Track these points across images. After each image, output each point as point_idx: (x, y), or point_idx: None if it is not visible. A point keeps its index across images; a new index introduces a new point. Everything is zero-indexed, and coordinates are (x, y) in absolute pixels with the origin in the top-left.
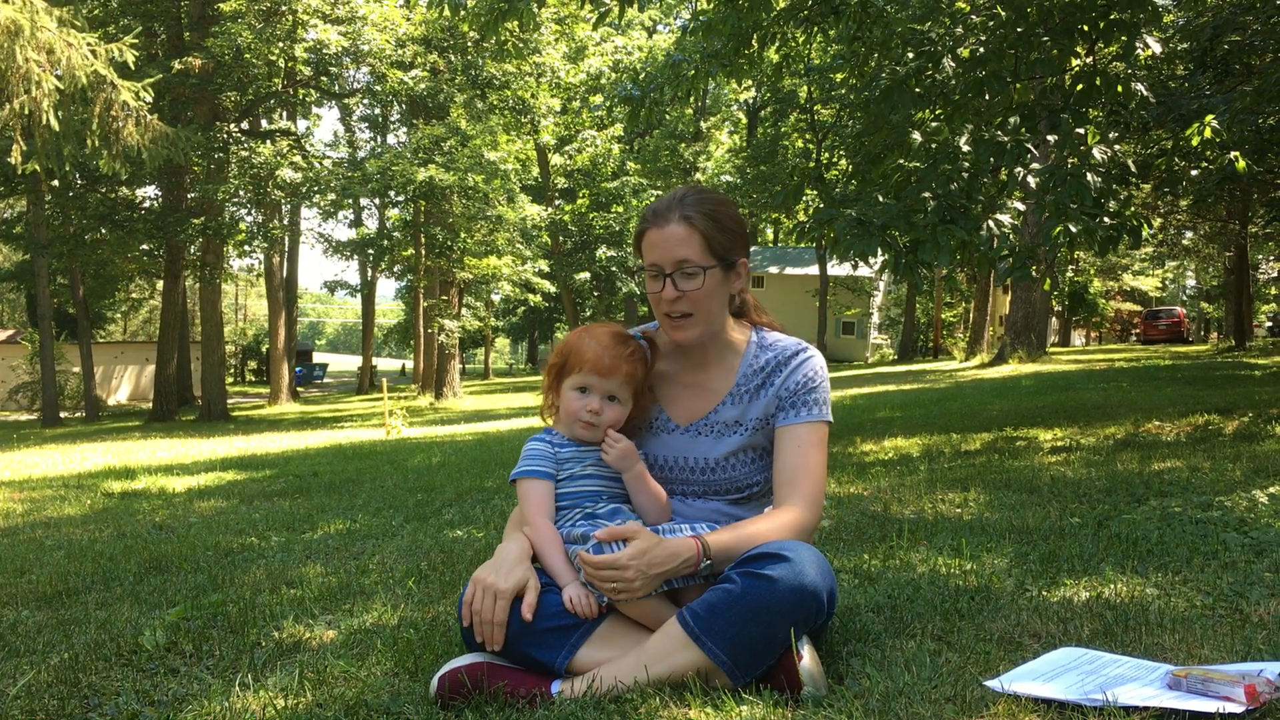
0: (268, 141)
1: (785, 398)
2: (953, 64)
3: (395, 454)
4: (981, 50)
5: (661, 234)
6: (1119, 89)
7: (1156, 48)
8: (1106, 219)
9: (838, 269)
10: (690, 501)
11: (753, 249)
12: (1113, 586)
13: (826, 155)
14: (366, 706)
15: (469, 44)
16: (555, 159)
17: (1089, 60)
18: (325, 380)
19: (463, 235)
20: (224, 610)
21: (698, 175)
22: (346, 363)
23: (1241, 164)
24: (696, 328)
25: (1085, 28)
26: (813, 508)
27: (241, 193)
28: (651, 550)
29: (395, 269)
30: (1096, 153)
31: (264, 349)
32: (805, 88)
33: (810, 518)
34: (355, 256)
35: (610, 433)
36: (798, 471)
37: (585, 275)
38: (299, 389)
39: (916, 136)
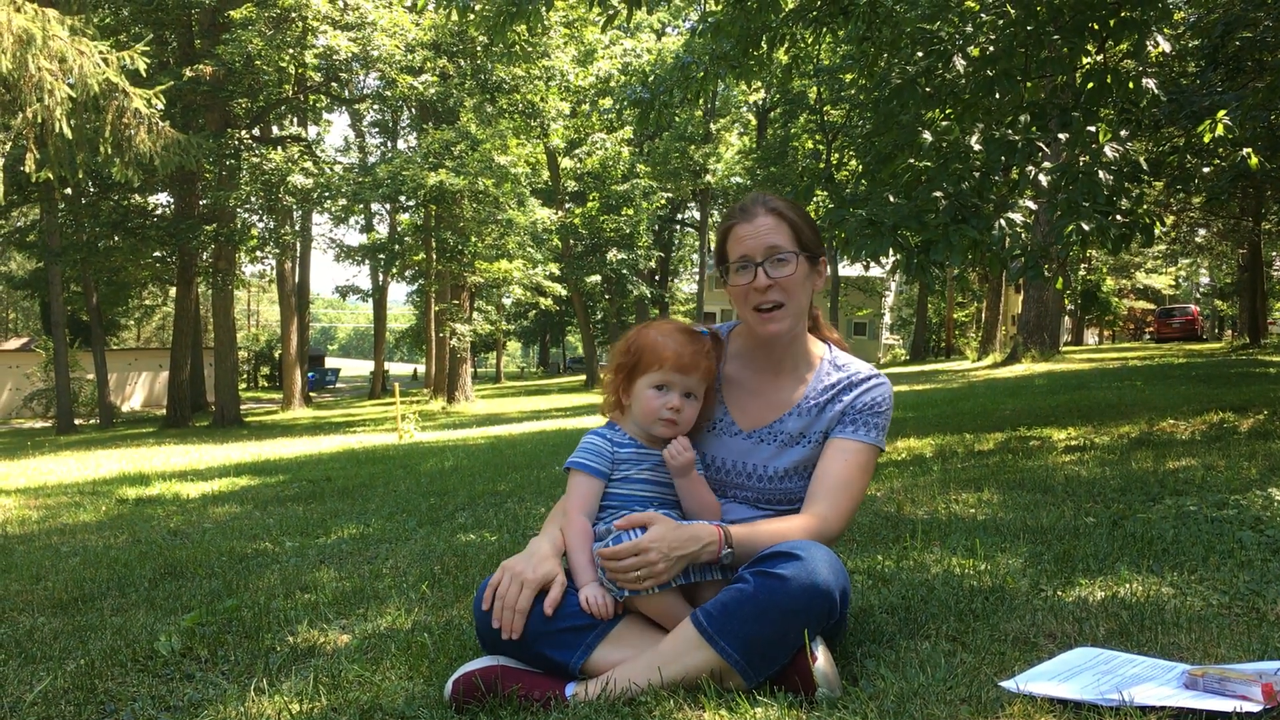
0: (279, 148)
1: (849, 415)
2: (963, 63)
3: (408, 458)
4: (991, 49)
5: (751, 226)
6: (1130, 87)
7: (1167, 45)
8: (1119, 217)
9: (849, 269)
10: (735, 508)
11: None
12: (1128, 586)
13: (836, 156)
14: (381, 710)
15: (478, 48)
16: (565, 162)
17: (1099, 58)
18: (338, 385)
19: (473, 239)
20: (239, 615)
21: (708, 177)
22: (359, 367)
23: (1254, 161)
24: (787, 319)
25: (1095, 26)
26: (840, 518)
27: (253, 199)
28: (672, 534)
29: (406, 273)
30: (1108, 151)
31: (276, 354)
32: (815, 89)
33: (835, 526)
34: (366, 261)
35: (681, 439)
36: (836, 481)
37: (596, 278)
38: (311, 394)
39: (927, 136)
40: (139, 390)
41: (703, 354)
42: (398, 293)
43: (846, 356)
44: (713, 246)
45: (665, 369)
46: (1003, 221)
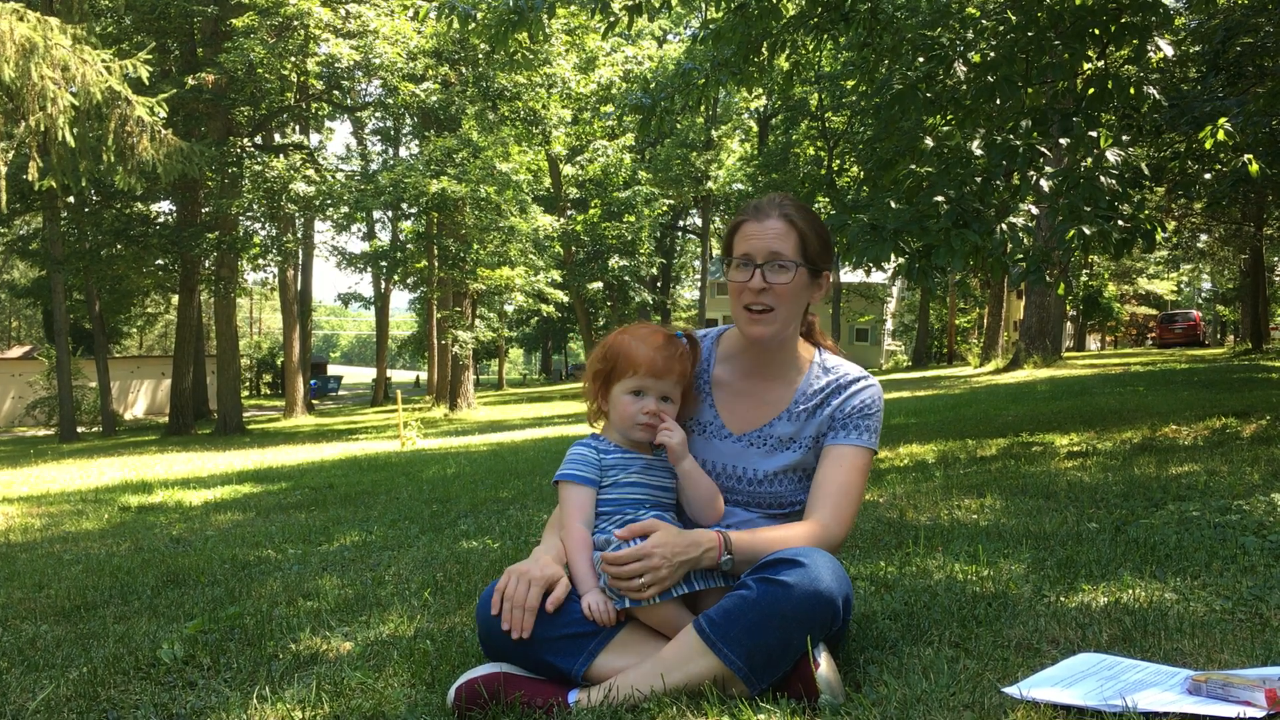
0: (281, 155)
1: (839, 419)
2: (964, 69)
3: (410, 465)
4: (992, 55)
5: (760, 226)
6: (1131, 92)
7: (1168, 50)
8: (1120, 222)
9: (851, 275)
10: (731, 510)
11: None
12: (1131, 591)
13: (838, 162)
14: (384, 718)
15: (480, 56)
16: (567, 169)
17: (1100, 64)
18: (340, 392)
19: (475, 246)
20: (241, 623)
21: (709, 184)
22: (361, 375)
23: (1254, 167)
24: (774, 324)
25: (1096, 31)
26: (840, 524)
27: (255, 207)
28: (674, 539)
29: (408, 281)
30: (1110, 156)
31: (279, 362)
32: (816, 95)
33: (836, 533)
34: (368, 269)
35: (666, 419)
36: (833, 488)
37: (598, 285)
38: (314, 401)
39: (928, 141)
40: (141, 398)
41: (676, 357)
42: (400, 300)
43: (836, 359)
44: (715, 252)
45: (640, 374)
46: (1004, 226)
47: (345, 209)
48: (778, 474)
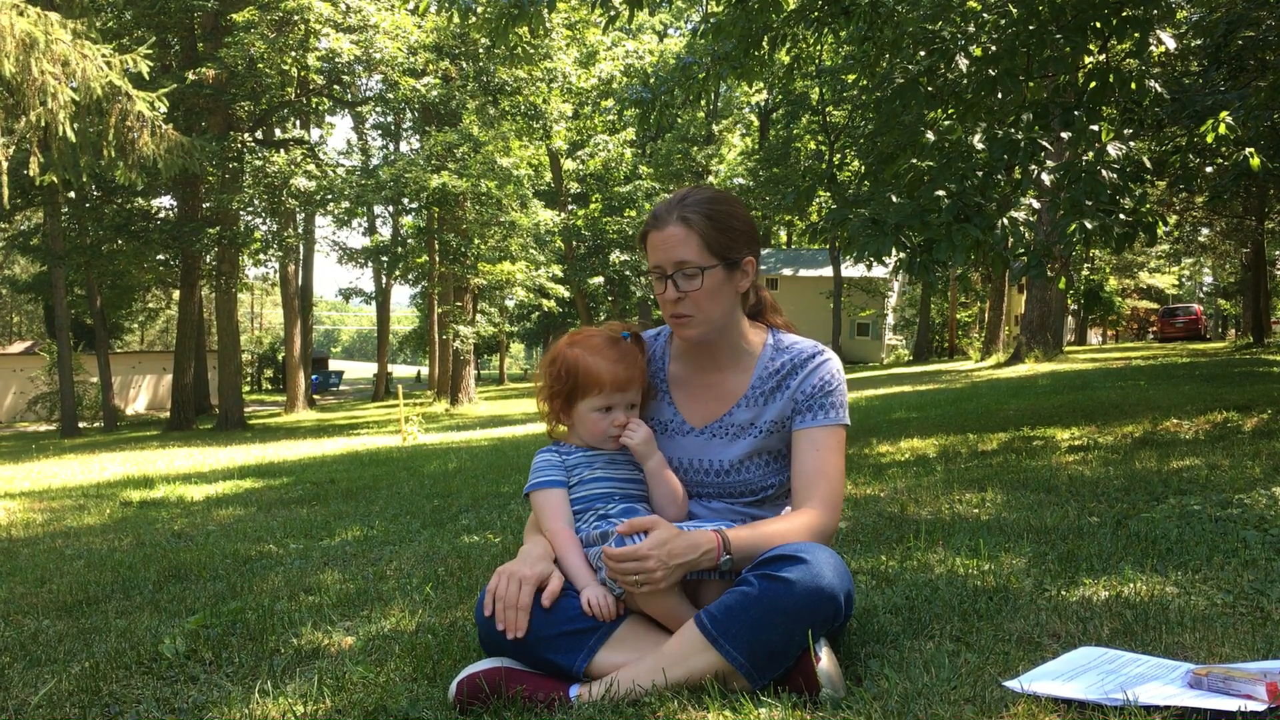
0: (281, 150)
1: (802, 401)
2: (965, 62)
3: (411, 460)
4: (993, 48)
5: (661, 236)
6: (1132, 86)
7: (1170, 44)
8: (1122, 216)
9: (852, 270)
10: (707, 503)
11: (766, 251)
12: (1132, 585)
13: (839, 156)
14: (385, 712)
15: (480, 50)
16: (568, 164)
17: (1102, 57)
18: (341, 387)
19: (476, 241)
20: (243, 617)
21: (710, 178)
22: (362, 370)
23: (1256, 161)
24: (700, 326)
25: (1098, 24)
26: (831, 511)
27: (256, 202)
28: (672, 540)
29: (409, 276)
30: (1111, 149)
31: (280, 357)
32: (817, 89)
33: (829, 520)
34: (369, 264)
35: (630, 422)
36: (816, 475)
37: (599, 280)
38: (315, 396)
39: (929, 135)
40: (143, 393)
41: (635, 365)
42: (401, 295)
43: (791, 337)
44: None
45: (606, 391)
46: (1005, 220)
47: (346, 204)
48: (742, 461)
